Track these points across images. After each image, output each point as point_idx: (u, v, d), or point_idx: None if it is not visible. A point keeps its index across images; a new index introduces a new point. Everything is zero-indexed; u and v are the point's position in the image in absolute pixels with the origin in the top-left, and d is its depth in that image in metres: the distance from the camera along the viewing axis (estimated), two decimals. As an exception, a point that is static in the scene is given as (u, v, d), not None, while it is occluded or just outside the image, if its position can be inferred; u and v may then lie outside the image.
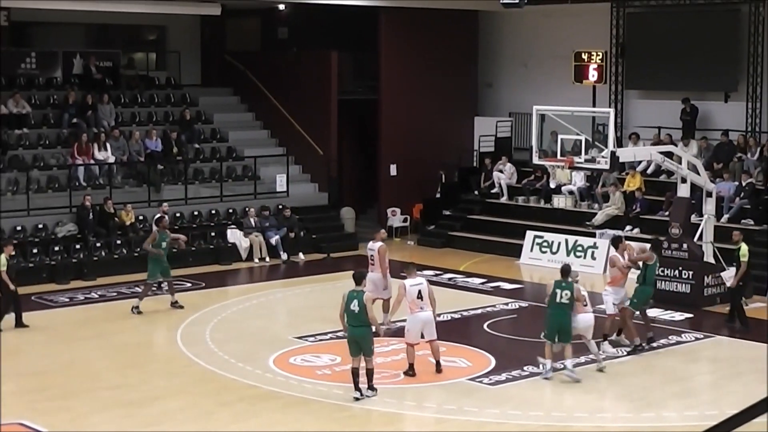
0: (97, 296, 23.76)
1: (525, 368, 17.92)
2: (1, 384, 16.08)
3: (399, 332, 20.20)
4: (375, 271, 20.59)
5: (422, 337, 17.45)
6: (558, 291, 17.21)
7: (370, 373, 16.25)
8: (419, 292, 17.33)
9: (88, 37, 33.61)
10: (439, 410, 16.12)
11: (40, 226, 26.27)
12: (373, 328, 16.20)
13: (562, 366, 17.27)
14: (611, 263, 19.95)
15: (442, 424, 15.79)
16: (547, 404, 16.35)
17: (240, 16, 34.66)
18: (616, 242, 20.46)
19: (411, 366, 17.44)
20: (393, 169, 32.31)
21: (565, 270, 17.59)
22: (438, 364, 17.54)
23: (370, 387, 16.29)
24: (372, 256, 20.86)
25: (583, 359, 18.10)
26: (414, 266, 18.27)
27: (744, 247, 21.29)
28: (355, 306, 15.95)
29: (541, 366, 17.40)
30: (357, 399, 16.11)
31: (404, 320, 18.40)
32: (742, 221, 26.30)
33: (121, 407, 16.04)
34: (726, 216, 26.27)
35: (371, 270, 20.49)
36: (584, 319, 17.64)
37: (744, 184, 26.88)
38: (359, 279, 16.43)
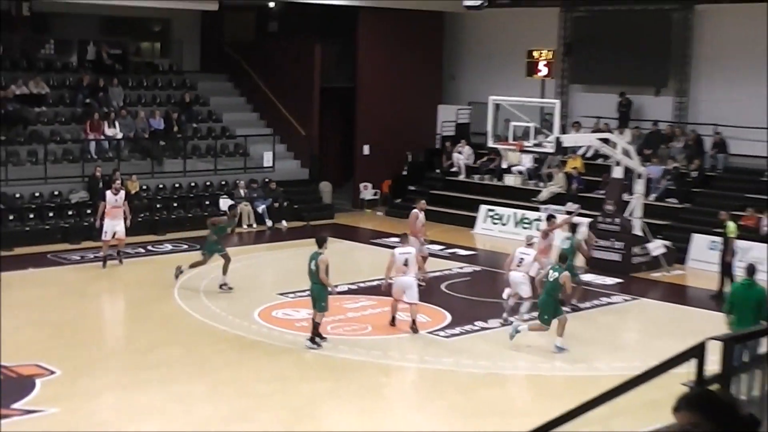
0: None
1: (476, 323, 18.06)
2: (20, 331, 16.07)
3: (369, 291, 20.37)
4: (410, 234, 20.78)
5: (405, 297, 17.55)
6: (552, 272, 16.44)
7: (315, 326, 16.37)
8: (406, 260, 17.43)
9: (100, 27, 33.31)
10: (401, 359, 16.27)
11: (56, 193, 26.18)
12: (329, 289, 16.43)
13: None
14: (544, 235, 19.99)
15: (404, 371, 15.95)
16: (494, 355, 16.48)
17: (236, 10, 34.45)
18: (549, 218, 20.84)
19: (393, 318, 17.77)
20: (366, 149, 32.31)
21: (563, 256, 17.16)
22: (413, 322, 17.51)
23: (311, 339, 16.36)
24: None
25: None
26: (407, 236, 18.44)
27: (731, 225, 21.20)
28: (312, 265, 16.30)
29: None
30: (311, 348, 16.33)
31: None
32: (668, 200, 26.53)
33: (127, 353, 16.14)
34: (653, 195, 26.45)
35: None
36: (514, 276, 17.88)
37: (670, 167, 27.08)
38: (320, 242, 16.65)
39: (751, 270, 14.69)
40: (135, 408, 13.66)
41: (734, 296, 14.43)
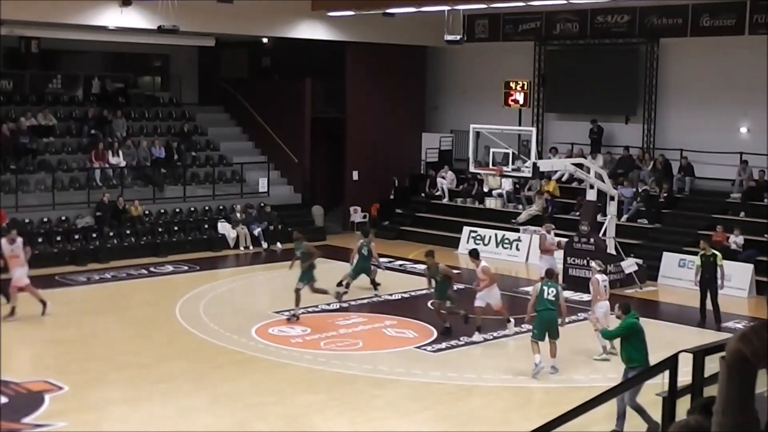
0: (110, 277, 23.60)
1: (461, 338, 18.01)
2: (29, 348, 15.96)
3: (360, 308, 20.29)
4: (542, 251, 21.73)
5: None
6: (545, 289, 16.02)
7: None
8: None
9: (104, 63, 33.39)
10: (390, 372, 16.19)
11: (63, 218, 26.08)
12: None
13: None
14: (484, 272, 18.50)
15: (393, 383, 15.86)
16: (478, 368, 16.45)
17: (231, 47, 34.51)
18: (474, 254, 19.49)
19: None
20: (355, 175, 32.31)
21: (550, 272, 16.47)
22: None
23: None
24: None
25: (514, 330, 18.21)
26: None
27: (719, 255, 19.99)
28: (365, 250, 19.58)
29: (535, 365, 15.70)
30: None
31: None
32: (639, 221, 26.54)
33: (132, 368, 16.00)
34: (625, 216, 26.46)
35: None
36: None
37: (640, 190, 27.12)
38: (366, 233, 20.34)
39: (627, 307, 14.26)
40: (139, 420, 13.56)
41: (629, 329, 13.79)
